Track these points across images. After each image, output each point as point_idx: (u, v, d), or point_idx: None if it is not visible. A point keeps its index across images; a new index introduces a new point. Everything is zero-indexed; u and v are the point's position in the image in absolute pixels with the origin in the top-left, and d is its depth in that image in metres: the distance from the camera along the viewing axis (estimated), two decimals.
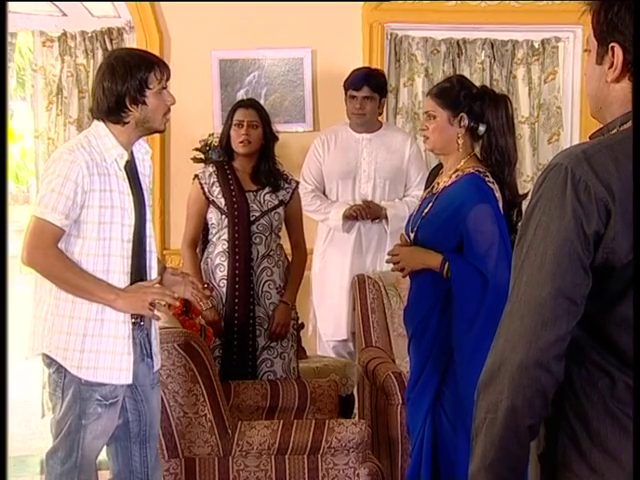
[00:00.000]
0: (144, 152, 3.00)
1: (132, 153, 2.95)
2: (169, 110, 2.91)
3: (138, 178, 2.96)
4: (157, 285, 2.90)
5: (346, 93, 4.61)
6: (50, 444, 2.93)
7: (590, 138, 1.56)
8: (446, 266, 3.08)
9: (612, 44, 1.50)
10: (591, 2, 1.53)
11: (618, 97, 1.52)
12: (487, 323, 2.98)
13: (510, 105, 3.21)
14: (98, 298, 2.79)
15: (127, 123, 2.85)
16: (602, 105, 1.56)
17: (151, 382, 2.99)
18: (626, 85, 1.51)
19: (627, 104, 1.51)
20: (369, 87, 4.55)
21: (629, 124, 1.49)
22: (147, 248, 2.95)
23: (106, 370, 2.82)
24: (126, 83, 2.81)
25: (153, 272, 2.96)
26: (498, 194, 3.12)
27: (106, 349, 2.82)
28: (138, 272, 2.91)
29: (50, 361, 2.84)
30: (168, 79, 2.91)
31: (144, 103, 2.83)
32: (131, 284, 2.86)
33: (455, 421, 3.10)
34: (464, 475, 3.02)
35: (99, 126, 2.87)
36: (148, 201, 2.97)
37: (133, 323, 2.89)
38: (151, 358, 2.98)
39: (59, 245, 2.79)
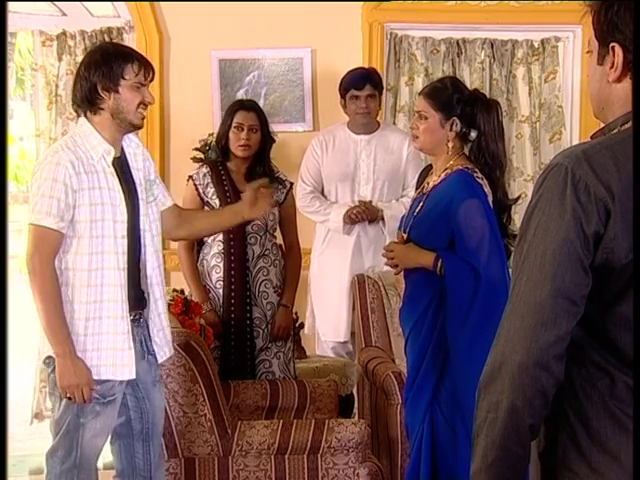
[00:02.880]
0: (134, 146, 2.98)
1: (123, 150, 2.95)
2: (145, 106, 2.90)
3: (131, 173, 2.95)
4: (90, 389, 2.82)
5: (345, 95, 4.59)
6: (50, 443, 2.94)
7: (591, 138, 1.56)
8: (439, 263, 3.09)
9: (612, 44, 1.50)
10: (591, 3, 1.53)
11: (620, 97, 1.52)
12: (480, 317, 3.00)
13: (500, 110, 3.23)
14: (51, 340, 2.79)
15: (102, 110, 2.85)
16: (604, 105, 1.56)
17: (152, 379, 2.99)
18: (627, 85, 1.51)
19: (628, 104, 1.51)
20: (371, 85, 4.55)
21: (630, 124, 1.49)
22: (142, 242, 2.94)
23: (109, 367, 2.84)
24: (99, 70, 2.83)
25: (148, 265, 2.95)
26: (487, 189, 3.13)
27: (107, 346, 2.83)
28: (133, 267, 2.91)
29: (50, 360, 2.85)
30: (150, 79, 2.90)
31: (116, 92, 2.84)
32: (129, 279, 2.87)
33: (452, 419, 3.11)
34: (463, 474, 3.04)
35: (84, 125, 2.89)
36: (141, 195, 2.95)
37: (132, 320, 2.90)
38: (152, 355, 2.98)
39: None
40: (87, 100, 2.86)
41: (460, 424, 3.07)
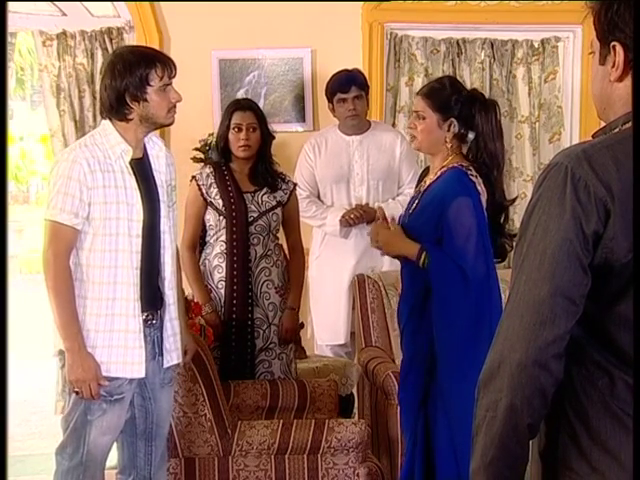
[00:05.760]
0: (157, 149, 3.01)
1: (145, 150, 2.96)
2: (174, 106, 2.92)
3: (152, 175, 2.97)
4: (99, 384, 2.85)
5: (332, 99, 4.59)
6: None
7: (593, 137, 1.56)
8: (423, 256, 3.09)
9: (613, 43, 1.50)
10: (592, 3, 1.53)
11: (621, 96, 1.52)
12: (470, 320, 3.02)
13: (499, 110, 3.23)
14: (61, 333, 2.85)
15: (131, 120, 2.87)
16: (606, 105, 1.56)
17: (161, 381, 3.00)
18: (629, 84, 1.51)
19: (630, 103, 1.50)
20: (356, 86, 4.54)
21: (631, 123, 1.49)
22: (161, 244, 2.96)
23: (119, 365, 2.86)
24: (125, 80, 2.83)
25: (167, 267, 2.97)
26: (480, 187, 3.14)
27: (118, 344, 2.85)
28: (150, 267, 2.93)
29: (62, 357, 2.88)
30: (174, 76, 2.92)
31: (145, 100, 2.85)
32: (142, 279, 2.88)
33: (442, 419, 3.11)
34: (457, 474, 3.04)
35: (105, 124, 2.92)
36: (163, 197, 2.97)
37: (145, 320, 2.91)
38: (162, 356, 2.98)
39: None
40: (115, 110, 2.88)
41: (447, 423, 3.08)
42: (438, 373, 3.10)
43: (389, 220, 3.30)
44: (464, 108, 3.17)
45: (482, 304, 3.03)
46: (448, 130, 3.18)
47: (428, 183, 3.24)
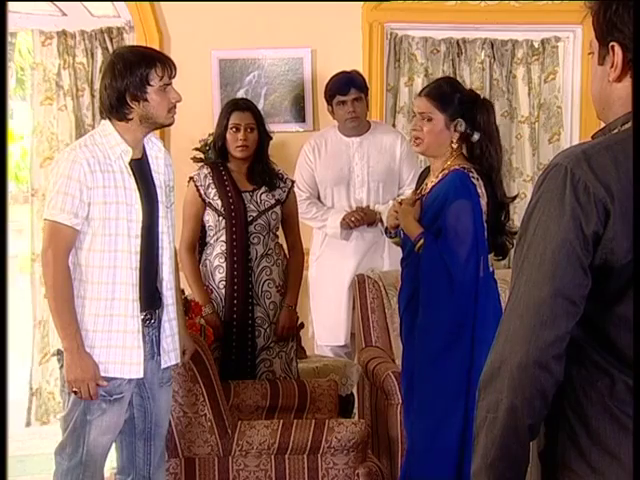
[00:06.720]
0: (157, 150, 3.01)
1: (145, 151, 2.96)
2: (174, 106, 2.93)
3: (151, 175, 2.97)
4: (97, 384, 2.85)
5: (331, 101, 4.56)
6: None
7: (592, 138, 1.56)
8: (420, 242, 3.12)
9: (612, 43, 1.50)
10: (591, 3, 1.54)
11: (620, 96, 1.53)
12: (451, 321, 3.05)
13: (492, 110, 3.26)
14: (60, 333, 2.85)
15: (131, 119, 2.87)
16: (605, 105, 1.56)
17: (159, 380, 3.00)
18: (628, 84, 1.51)
19: (629, 103, 1.51)
20: (355, 88, 4.51)
21: (630, 124, 1.49)
22: (159, 244, 2.96)
23: (117, 365, 2.86)
24: (125, 79, 2.84)
25: (165, 268, 2.97)
26: (481, 190, 3.15)
27: (116, 344, 2.85)
28: (148, 268, 2.93)
29: (61, 356, 2.87)
30: (174, 76, 2.92)
31: (145, 100, 2.85)
32: (140, 280, 2.88)
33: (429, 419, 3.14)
34: (454, 474, 3.06)
35: (105, 124, 2.92)
36: (161, 197, 2.97)
37: (143, 320, 2.91)
38: (160, 356, 2.98)
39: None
40: (115, 110, 2.88)
41: (418, 427, 3.11)
42: (415, 364, 3.15)
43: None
44: (468, 109, 3.18)
45: (466, 308, 3.06)
46: (455, 130, 3.18)
47: (430, 187, 3.24)
